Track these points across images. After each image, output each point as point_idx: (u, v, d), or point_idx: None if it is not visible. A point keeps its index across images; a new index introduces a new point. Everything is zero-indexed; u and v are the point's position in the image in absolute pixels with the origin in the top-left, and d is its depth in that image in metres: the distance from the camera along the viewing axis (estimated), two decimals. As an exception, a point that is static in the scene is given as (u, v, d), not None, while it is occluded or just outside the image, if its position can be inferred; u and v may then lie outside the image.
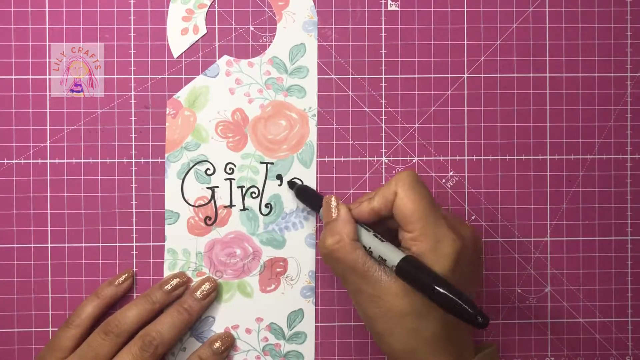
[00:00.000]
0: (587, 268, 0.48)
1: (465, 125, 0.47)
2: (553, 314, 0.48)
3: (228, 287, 0.46)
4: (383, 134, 0.47)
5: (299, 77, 0.47)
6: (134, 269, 0.46)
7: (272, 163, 0.46)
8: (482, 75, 0.47)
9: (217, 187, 0.46)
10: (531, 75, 0.47)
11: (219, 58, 0.46)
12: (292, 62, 0.46)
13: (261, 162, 0.46)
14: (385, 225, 0.42)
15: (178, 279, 0.45)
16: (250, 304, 0.46)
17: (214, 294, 0.45)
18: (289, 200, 0.46)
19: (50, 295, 0.46)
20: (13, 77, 0.46)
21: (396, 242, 0.39)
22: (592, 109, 0.48)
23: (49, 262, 0.46)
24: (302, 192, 0.45)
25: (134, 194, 0.46)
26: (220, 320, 0.46)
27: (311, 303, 0.46)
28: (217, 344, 0.45)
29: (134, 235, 0.46)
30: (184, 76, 0.46)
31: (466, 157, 0.47)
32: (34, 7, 0.46)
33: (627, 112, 0.48)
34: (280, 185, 0.46)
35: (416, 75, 0.47)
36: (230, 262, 0.46)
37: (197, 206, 0.46)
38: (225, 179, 0.46)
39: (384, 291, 0.38)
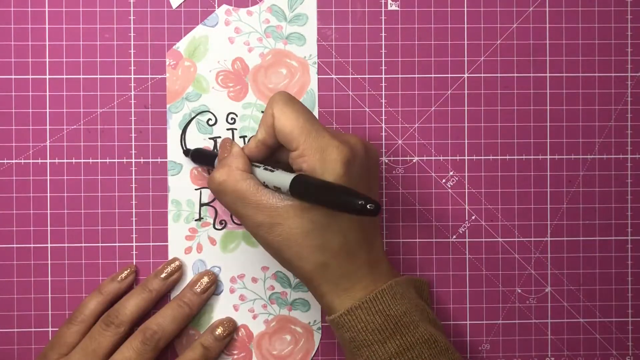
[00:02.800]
0: (587, 268, 0.48)
1: (465, 125, 0.47)
2: (553, 314, 0.48)
3: (233, 237, 0.46)
4: (383, 133, 0.47)
5: (298, 25, 0.47)
6: (134, 264, 0.46)
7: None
8: (482, 75, 0.47)
9: (220, 137, 0.46)
10: (531, 75, 0.47)
11: (217, 7, 0.46)
12: (292, 10, 0.46)
13: (262, 112, 0.46)
14: (278, 161, 0.41)
15: (172, 266, 0.45)
16: (255, 253, 0.46)
17: (213, 288, 0.46)
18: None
19: (50, 295, 0.46)
20: (13, 77, 0.46)
21: (290, 170, 0.39)
22: (592, 109, 0.48)
23: (49, 262, 0.46)
24: (197, 155, 0.45)
25: (133, 194, 0.46)
26: (226, 270, 0.46)
27: None
28: (219, 330, 0.45)
29: (134, 235, 0.46)
30: (183, 26, 0.46)
31: (466, 157, 0.47)
32: (34, 7, 0.46)
33: (628, 112, 0.48)
34: None
35: (416, 75, 0.47)
36: None
37: None
38: (227, 129, 0.46)
39: (281, 216, 0.38)
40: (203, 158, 0.45)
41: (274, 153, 0.41)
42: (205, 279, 0.45)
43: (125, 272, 0.45)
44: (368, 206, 0.33)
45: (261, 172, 0.40)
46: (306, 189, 0.36)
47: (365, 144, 0.40)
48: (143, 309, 0.44)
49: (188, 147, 0.46)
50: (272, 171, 0.39)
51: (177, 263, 0.45)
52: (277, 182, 0.38)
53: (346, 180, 0.37)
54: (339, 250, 0.38)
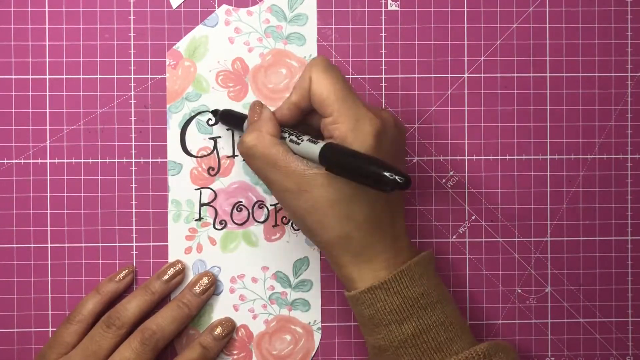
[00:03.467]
0: (587, 268, 0.48)
1: (465, 125, 0.47)
2: (553, 314, 0.48)
3: (233, 237, 0.46)
4: (383, 134, 0.47)
5: (298, 25, 0.47)
6: (134, 264, 0.46)
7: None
8: (482, 75, 0.47)
9: (219, 137, 0.46)
10: (531, 75, 0.47)
11: (217, 7, 0.46)
12: (292, 10, 0.47)
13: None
14: (310, 126, 0.41)
15: (175, 268, 0.45)
16: (255, 253, 0.47)
17: (213, 289, 0.46)
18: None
19: (50, 295, 0.46)
20: (13, 77, 0.46)
21: (321, 138, 0.39)
22: (593, 109, 0.48)
23: (49, 262, 0.46)
24: (226, 115, 0.45)
25: (133, 194, 0.46)
26: (226, 270, 0.46)
27: (316, 251, 0.47)
28: (218, 330, 0.45)
29: (134, 235, 0.46)
30: (183, 26, 0.46)
31: (466, 157, 0.47)
32: (34, 7, 0.46)
33: (628, 112, 0.48)
34: None
35: (416, 75, 0.47)
36: (234, 212, 0.46)
37: (199, 157, 0.46)
38: (227, 129, 0.46)
39: (309, 184, 0.38)
40: (232, 119, 0.44)
41: (305, 117, 0.41)
42: (205, 280, 0.45)
43: (124, 272, 0.45)
44: (398, 179, 0.33)
45: (294, 137, 0.39)
46: (336, 157, 0.36)
47: (396, 120, 0.40)
48: (144, 311, 0.44)
49: (217, 108, 0.46)
50: (299, 143, 0.39)
51: (179, 266, 0.45)
52: (306, 148, 0.38)
53: (376, 152, 0.37)
54: (363, 222, 0.38)
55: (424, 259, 0.40)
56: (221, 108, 0.46)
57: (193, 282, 0.45)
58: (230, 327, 0.45)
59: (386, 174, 0.33)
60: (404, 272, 0.39)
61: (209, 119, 0.46)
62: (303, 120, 0.42)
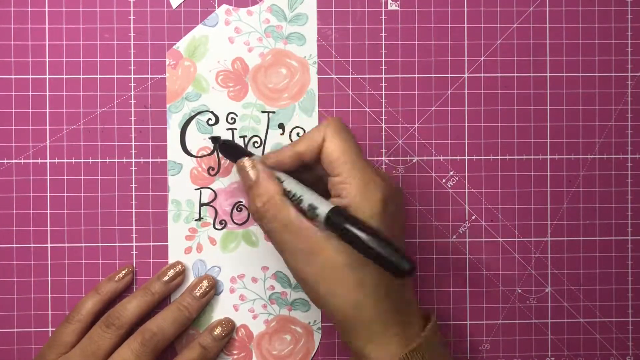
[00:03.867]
0: (587, 268, 0.48)
1: (466, 125, 0.47)
2: (553, 314, 0.48)
3: (233, 237, 0.46)
4: (383, 133, 0.47)
5: (298, 25, 0.47)
6: (133, 264, 0.46)
7: (274, 112, 0.47)
8: (482, 75, 0.47)
9: (220, 137, 0.46)
10: (531, 75, 0.47)
11: (217, 7, 0.46)
12: (292, 10, 0.47)
13: (262, 112, 0.46)
14: (301, 178, 0.41)
15: (175, 269, 0.45)
16: (255, 253, 0.46)
17: (213, 292, 0.46)
18: None
19: (49, 295, 0.46)
20: (13, 77, 0.46)
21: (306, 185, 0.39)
22: (593, 109, 0.48)
23: (49, 262, 0.46)
24: (227, 146, 0.44)
25: (133, 194, 0.46)
26: (226, 270, 0.46)
27: None
28: (217, 330, 0.45)
29: (134, 235, 0.46)
30: (183, 26, 0.46)
31: (466, 157, 0.47)
32: (34, 7, 0.46)
33: (628, 111, 0.48)
34: (282, 134, 0.46)
35: (416, 75, 0.47)
36: (234, 212, 0.46)
37: (200, 156, 0.46)
38: (227, 129, 0.46)
39: (319, 245, 0.37)
40: (232, 152, 0.44)
41: (299, 170, 0.41)
42: (205, 283, 0.45)
43: (123, 272, 0.45)
44: (403, 267, 0.34)
45: (297, 185, 0.39)
46: (344, 227, 0.36)
47: (396, 183, 0.40)
48: (144, 312, 0.44)
49: (215, 135, 0.46)
50: (309, 189, 0.39)
51: (179, 267, 0.45)
52: (314, 202, 0.38)
53: (383, 218, 0.37)
54: (374, 288, 0.37)
55: (431, 332, 0.39)
56: (222, 137, 0.46)
57: (193, 285, 0.45)
58: (229, 328, 0.45)
59: (393, 259, 0.34)
60: (415, 352, 0.38)
61: (209, 119, 0.46)
62: (295, 172, 0.41)
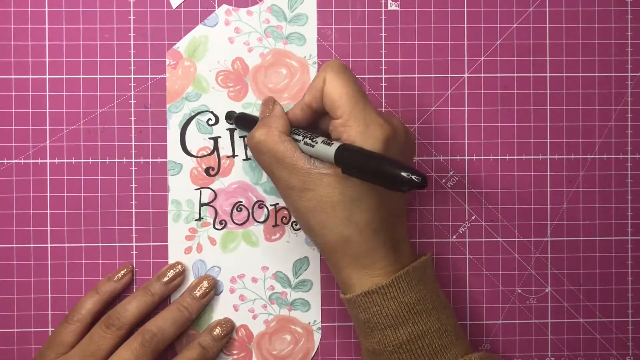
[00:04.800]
0: (587, 268, 0.48)
1: (466, 125, 0.47)
2: (553, 314, 0.48)
3: (233, 237, 0.46)
4: (383, 133, 0.47)
5: (298, 25, 0.47)
6: (133, 264, 0.46)
7: None
8: (482, 75, 0.47)
9: (220, 137, 0.46)
10: (531, 75, 0.47)
11: (217, 7, 0.46)
12: (292, 10, 0.47)
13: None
14: (318, 128, 0.42)
15: (174, 270, 0.45)
16: (255, 253, 0.47)
17: (213, 292, 0.46)
18: None
19: (49, 295, 0.46)
20: (13, 77, 0.46)
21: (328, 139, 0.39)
22: (593, 109, 0.48)
23: (49, 262, 0.46)
24: (242, 119, 0.45)
25: (133, 193, 0.46)
26: (226, 270, 0.46)
27: (316, 251, 0.47)
28: (217, 330, 0.45)
29: (134, 235, 0.46)
30: (183, 26, 0.46)
31: (466, 157, 0.47)
32: (34, 7, 0.46)
33: (628, 112, 0.48)
34: None
35: (416, 75, 0.47)
36: (234, 212, 0.46)
37: (200, 157, 0.46)
38: (227, 129, 0.46)
39: (314, 182, 0.38)
40: (247, 122, 0.44)
41: (316, 120, 0.41)
42: (205, 284, 0.45)
43: (122, 271, 0.45)
44: (415, 178, 0.33)
45: (302, 146, 0.39)
46: (352, 158, 0.36)
47: (406, 128, 0.40)
48: (144, 312, 0.44)
49: (231, 110, 0.46)
50: (313, 145, 0.39)
51: (179, 268, 0.45)
52: (318, 155, 0.38)
53: None
54: (364, 226, 0.38)
55: (422, 264, 0.40)
56: (236, 111, 0.46)
57: (193, 286, 0.45)
58: (229, 328, 0.45)
59: (403, 173, 0.33)
60: (401, 278, 0.39)
61: (209, 119, 0.46)
62: (313, 123, 0.42)
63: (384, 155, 0.36)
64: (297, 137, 0.40)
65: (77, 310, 0.44)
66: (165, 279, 0.45)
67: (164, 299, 0.45)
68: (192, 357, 0.43)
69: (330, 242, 0.39)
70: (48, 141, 0.46)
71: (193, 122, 0.46)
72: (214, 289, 0.46)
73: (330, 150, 0.37)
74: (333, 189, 0.38)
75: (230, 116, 0.46)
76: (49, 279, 0.46)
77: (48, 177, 0.46)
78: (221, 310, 0.46)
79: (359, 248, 0.39)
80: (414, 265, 0.40)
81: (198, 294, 0.45)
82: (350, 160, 0.36)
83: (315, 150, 0.38)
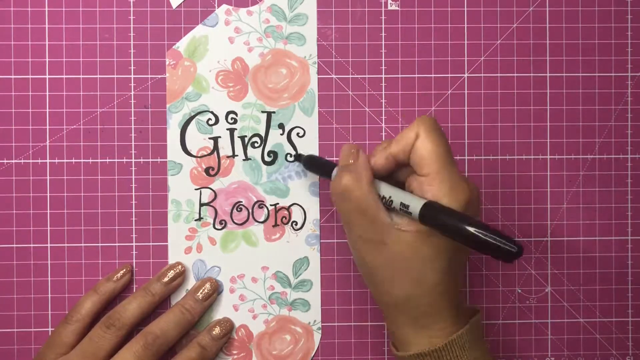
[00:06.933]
0: (587, 268, 0.48)
1: (465, 125, 0.47)
2: (553, 314, 0.48)
3: (233, 237, 0.46)
4: (383, 133, 0.47)
5: (298, 25, 0.47)
6: (133, 264, 0.46)
7: (274, 112, 0.47)
8: (482, 75, 0.47)
9: (220, 137, 0.46)
10: (531, 75, 0.47)
11: (217, 7, 0.46)
12: (292, 10, 0.47)
13: (262, 112, 0.46)
14: (394, 179, 0.41)
15: (175, 270, 0.45)
16: (255, 253, 0.47)
17: (215, 295, 0.46)
18: (291, 149, 0.46)
19: (49, 295, 0.46)
20: (13, 77, 0.46)
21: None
22: (593, 109, 0.48)
23: (49, 262, 0.46)
24: (310, 161, 0.45)
25: (133, 193, 0.46)
26: (226, 270, 0.46)
27: (316, 251, 0.47)
28: (216, 330, 0.45)
29: (134, 235, 0.46)
30: (182, 26, 0.46)
31: (466, 157, 0.47)
32: (34, 7, 0.46)
33: (628, 111, 0.48)
34: (282, 134, 0.46)
35: (416, 75, 0.47)
36: (234, 212, 0.46)
37: (200, 157, 0.46)
38: (227, 129, 0.46)
39: (390, 238, 0.38)
40: (318, 165, 0.44)
41: (393, 172, 0.41)
42: (208, 286, 0.45)
43: (121, 271, 0.45)
44: (511, 247, 0.33)
45: (389, 187, 0.39)
46: (440, 218, 0.36)
47: (479, 192, 0.40)
48: (144, 312, 0.44)
49: (299, 152, 0.46)
50: (401, 190, 0.38)
51: (180, 268, 0.45)
52: (406, 200, 0.38)
53: None
54: (433, 287, 0.38)
55: (474, 326, 0.40)
56: (304, 153, 0.46)
57: (196, 288, 0.45)
58: (228, 327, 0.45)
59: (500, 244, 0.33)
60: (455, 341, 0.38)
61: (209, 119, 0.46)
62: (391, 175, 0.41)
63: (478, 220, 0.35)
64: (382, 181, 0.40)
65: (76, 310, 0.44)
66: (166, 279, 0.45)
67: (164, 299, 0.45)
68: (191, 357, 0.43)
69: (394, 299, 0.39)
70: (48, 141, 0.46)
71: (193, 122, 0.46)
72: (216, 292, 0.46)
73: (416, 203, 0.37)
74: (409, 246, 0.37)
75: (298, 158, 0.46)
76: (49, 279, 0.46)
77: (48, 177, 0.46)
78: (221, 310, 0.46)
79: (423, 309, 0.38)
80: (470, 328, 0.39)
81: (200, 296, 0.45)
82: (438, 220, 0.36)
83: (403, 193, 0.38)
